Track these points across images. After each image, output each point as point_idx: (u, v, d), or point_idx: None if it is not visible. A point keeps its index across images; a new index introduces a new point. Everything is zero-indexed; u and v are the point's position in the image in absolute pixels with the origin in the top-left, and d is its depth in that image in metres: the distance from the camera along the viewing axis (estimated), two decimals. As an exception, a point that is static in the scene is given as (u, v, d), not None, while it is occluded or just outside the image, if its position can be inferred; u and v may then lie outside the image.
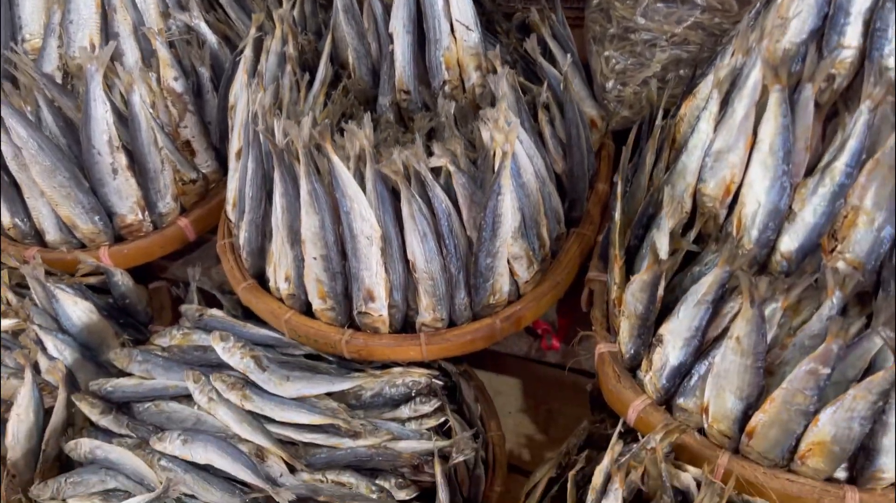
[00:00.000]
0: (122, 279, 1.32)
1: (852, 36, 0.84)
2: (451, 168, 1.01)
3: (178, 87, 1.33)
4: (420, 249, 1.05)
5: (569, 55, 1.24)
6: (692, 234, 0.97)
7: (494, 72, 1.18)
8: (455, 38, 1.19)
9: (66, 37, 1.31)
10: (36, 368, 1.17)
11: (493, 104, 1.12)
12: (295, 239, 1.10)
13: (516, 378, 1.49)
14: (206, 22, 1.41)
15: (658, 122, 1.10)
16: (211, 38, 1.38)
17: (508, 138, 0.99)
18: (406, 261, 1.07)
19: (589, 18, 1.44)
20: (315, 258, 1.08)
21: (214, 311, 1.24)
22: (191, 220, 1.37)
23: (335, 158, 1.02)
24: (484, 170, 1.06)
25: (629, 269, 1.03)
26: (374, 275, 1.06)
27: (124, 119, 1.26)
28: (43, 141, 1.20)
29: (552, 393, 1.46)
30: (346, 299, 1.11)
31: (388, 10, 1.21)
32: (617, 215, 1.04)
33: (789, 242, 0.88)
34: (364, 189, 1.04)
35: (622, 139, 1.38)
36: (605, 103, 1.38)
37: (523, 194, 1.09)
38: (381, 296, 1.08)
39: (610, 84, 1.38)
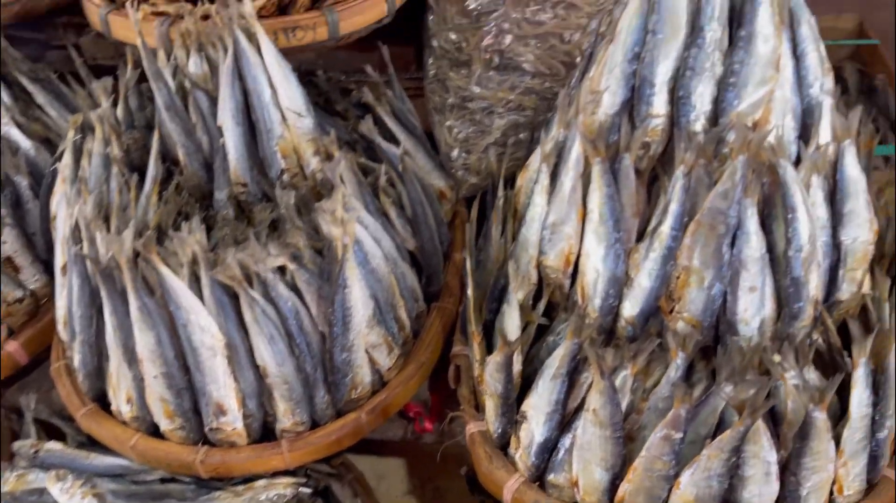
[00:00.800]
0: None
1: (659, 105, 0.88)
2: (292, 266, 0.97)
3: (-8, 206, 1.22)
4: (269, 353, 0.99)
5: (403, 136, 1.23)
6: (541, 306, 0.97)
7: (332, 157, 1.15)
8: (288, 125, 1.15)
9: None
10: None
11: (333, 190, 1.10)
12: (132, 358, 1.01)
13: (399, 458, 1.44)
14: (20, 126, 1.31)
15: (500, 191, 1.11)
16: (25, 143, 1.28)
17: (347, 230, 0.96)
18: (256, 366, 1.01)
19: (428, 89, 1.45)
20: (155, 376, 1.00)
21: (52, 445, 1.12)
22: (21, 342, 1.25)
23: (164, 270, 0.96)
24: (329, 261, 1.02)
25: (489, 344, 1.02)
26: (222, 387, 0.99)
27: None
28: None
29: (437, 469, 1.41)
30: (196, 415, 1.03)
31: (214, 102, 1.16)
32: (470, 291, 1.03)
33: (631, 308, 0.89)
34: (201, 297, 0.98)
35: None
36: (453, 171, 1.38)
37: (374, 279, 1.06)
38: (233, 408, 1.00)
39: (455, 153, 1.38)
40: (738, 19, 0.86)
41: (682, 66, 0.87)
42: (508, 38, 1.29)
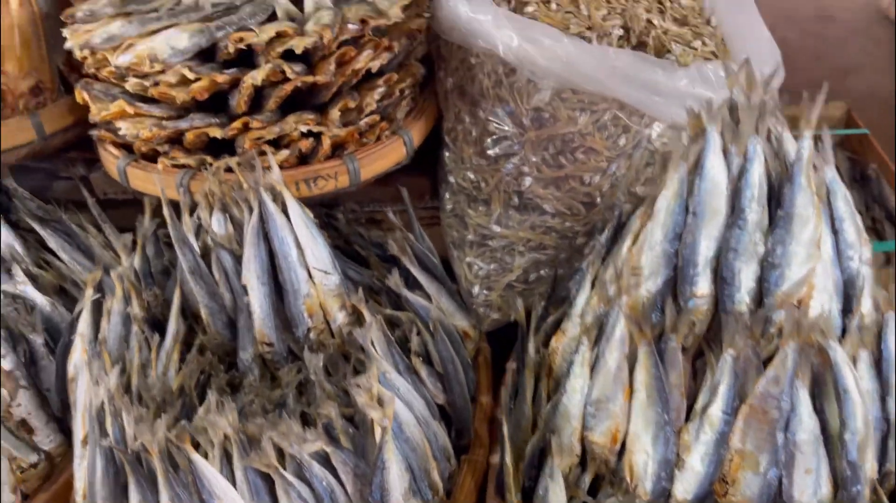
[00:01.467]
0: None
1: (703, 285, 0.87)
2: (329, 449, 0.94)
3: (6, 364, 1.18)
4: (305, 536, 0.95)
5: (428, 283, 1.23)
6: (586, 480, 0.95)
7: (358, 317, 1.14)
8: (314, 283, 1.14)
9: None
10: None
11: (363, 349, 1.08)
12: (160, 546, 0.97)
13: None
14: (34, 278, 1.29)
15: (531, 348, 1.09)
16: (41, 300, 1.25)
17: (387, 413, 0.94)
18: (291, 550, 0.97)
19: (445, 223, 1.45)
20: (187, 567, 0.95)
21: None
22: (35, 508, 1.20)
23: (199, 460, 0.92)
24: (364, 432, 1.00)
25: (529, 512, 0.99)
26: (256, 576, 0.95)
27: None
28: None
29: None
30: None
31: (238, 260, 1.15)
32: (508, 459, 1.00)
33: (684, 491, 0.86)
34: (234, 482, 0.94)
35: (496, 339, 1.37)
36: (474, 308, 1.37)
37: (409, 449, 1.03)
38: None
39: (476, 289, 1.38)
40: (777, 198, 0.87)
41: (724, 246, 0.87)
42: (528, 181, 1.29)
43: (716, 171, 0.86)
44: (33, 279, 1.32)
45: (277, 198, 1.12)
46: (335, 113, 1.23)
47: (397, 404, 1.01)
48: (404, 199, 1.35)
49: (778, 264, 0.84)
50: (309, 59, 1.23)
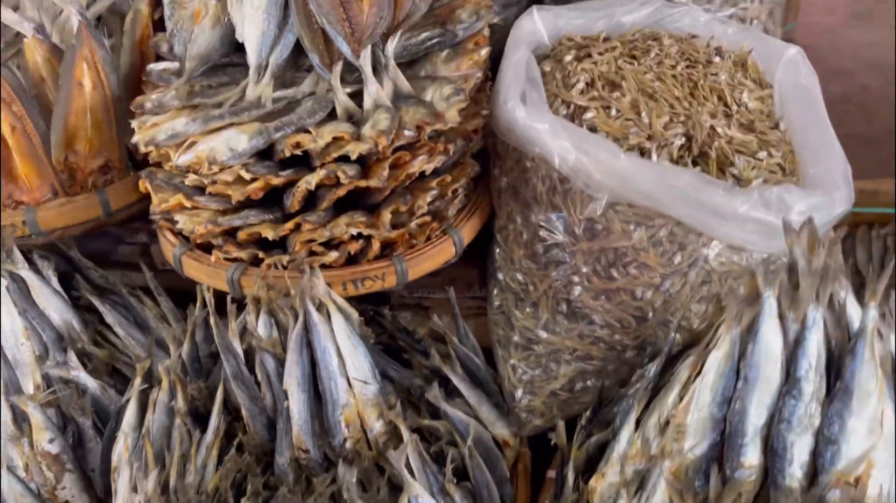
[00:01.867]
0: None
1: (752, 456, 0.83)
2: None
3: (53, 448, 1.22)
4: None
5: (469, 392, 1.21)
6: None
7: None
8: (353, 393, 1.13)
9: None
10: None
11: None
12: None
13: None
14: (88, 356, 1.33)
15: (570, 477, 1.06)
16: (92, 384, 1.28)
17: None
18: None
19: (492, 319, 1.43)
20: None
21: None
22: None
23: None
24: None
25: None
26: None
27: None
28: None
29: None
30: None
31: (281, 363, 1.16)
32: None
33: None
34: None
35: (536, 443, 1.34)
36: (516, 411, 1.34)
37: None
38: None
39: (519, 393, 1.35)
40: (836, 367, 0.82)
41: (776, 416, 0.82)
42: (578, 290, 1.26)
43: (770, 338, 0.82)
44: (88, 357, 1.36)
45: (322, 307, 1.12)
46: (386, 216, 1.23)
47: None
48: (451, 300, 1.34)
49: (835, 439, 0.79)
50: (364, 161, 1.24)
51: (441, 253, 1.31)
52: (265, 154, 1.24)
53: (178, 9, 1.43)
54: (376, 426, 1.15)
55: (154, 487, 1.04)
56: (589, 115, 1.27)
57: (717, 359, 0.85)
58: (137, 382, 1.21)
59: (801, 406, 0.81)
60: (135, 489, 1.04)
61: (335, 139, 1.20)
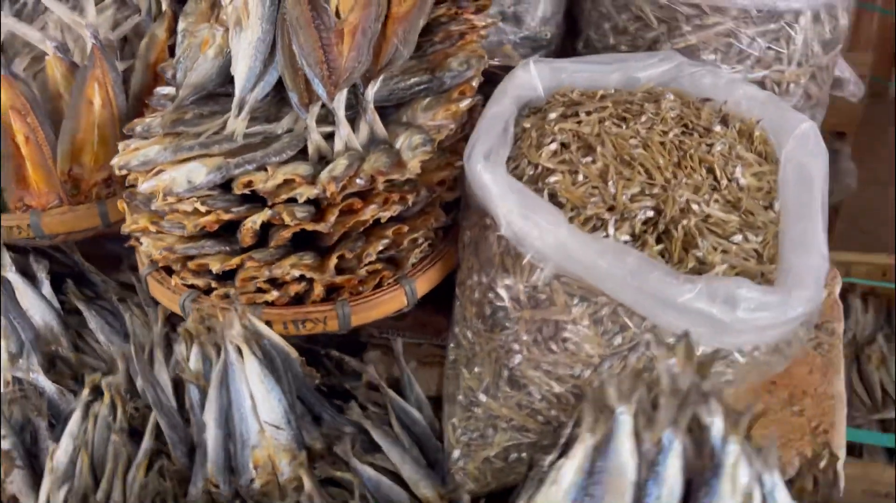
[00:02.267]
0: None
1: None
2: None
3: (5, 444, 1.29)
4: None
5: (390, 448, 1.19)
6: None
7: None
8: (265, 436, 1.14)
9: None
10: None
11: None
12: None
13: None
14: (63, 361, 1.41)
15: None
16: (50, 387, 1.35)
17: None
18: None
19: (446, 374, 1.41)
20: None
21: None
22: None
23: None
24: None
25: None
26: None
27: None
28: None
29: None
30: None
31: (205, 395, 1.18)
32: None
33: None
34: None
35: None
36: (452, 473, 1.31)
37: None
38: None
39: (456, 454, 1.32)
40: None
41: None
42: (518, 358, 1.22)
43: (624, 457, 0.76)
44: (63, 361, 1.44)
45: (242, 351, 1.14)
46: (332, 261, 1.24)
47: None
48: (396, 351, 1.33)
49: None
50: (318, 204, 1.25)
51: (391, 301, 1.30)
52: (227, 187, 1.27)
53: (189, 37, 1.50)
54: (287, 471, 1.15)
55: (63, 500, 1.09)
56: (552, 178, 1.22)
57: (570, 468, 0.79)
58: (85, 393, 1.27)
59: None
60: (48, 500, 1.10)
61: (286, 181, 1.21)
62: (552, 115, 1.34)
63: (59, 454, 1.24)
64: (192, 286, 1.30)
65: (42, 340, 1.42)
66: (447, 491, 1.27)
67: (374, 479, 1.15)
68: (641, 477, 0.76)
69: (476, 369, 1.31)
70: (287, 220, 1.20)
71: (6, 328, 1.39)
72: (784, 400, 1.34)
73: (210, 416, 1.15)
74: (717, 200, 1.24)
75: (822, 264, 1.13)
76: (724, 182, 1.27)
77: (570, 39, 1.94)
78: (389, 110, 1.39)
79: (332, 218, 1.22)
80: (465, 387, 1.32)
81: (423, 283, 1.33)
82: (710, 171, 1.28)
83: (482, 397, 1.28)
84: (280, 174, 1.22)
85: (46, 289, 1.51)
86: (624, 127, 1.31)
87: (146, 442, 1.21)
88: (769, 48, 1.57)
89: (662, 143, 1.30)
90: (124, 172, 1.32)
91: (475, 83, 1.41)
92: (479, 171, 1.20)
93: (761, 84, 1.58)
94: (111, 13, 1.66)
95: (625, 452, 0.77)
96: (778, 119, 1.38)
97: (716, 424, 0.76)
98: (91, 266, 1.65)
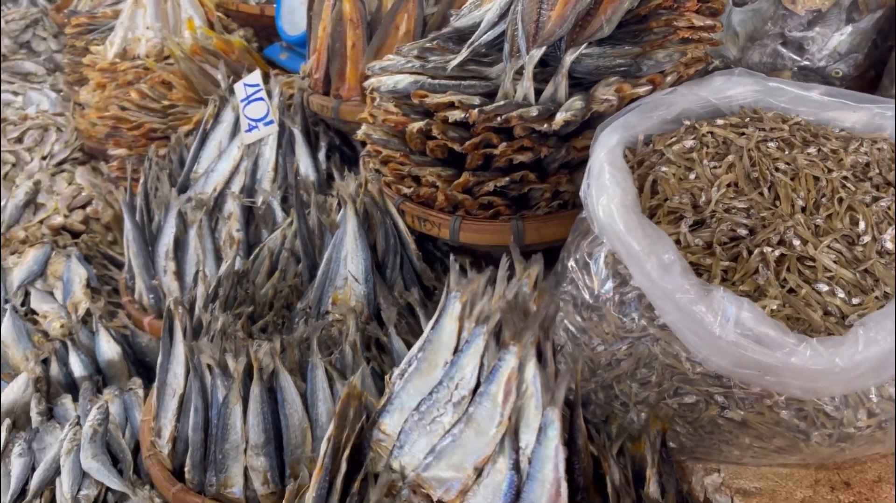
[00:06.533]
0: (147, 342, 1.85)
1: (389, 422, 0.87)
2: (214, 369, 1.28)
3: (236, 236, 1.83)
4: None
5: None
6: None
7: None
8: (347, 283, 1.43)
9: (207, 179, 1.92)
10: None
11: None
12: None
13: None
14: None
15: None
16: (279, 212, 1.84)
17: (237, 368, 1.22)
18: None
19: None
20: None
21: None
22: (206, 325, 1.85)
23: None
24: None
25: None
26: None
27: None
28: (138, 235, 1.82)
29: None
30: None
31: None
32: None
33: None
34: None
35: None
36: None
37: (286, 425, 1.28)
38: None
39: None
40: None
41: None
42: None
43: (445, 335, 0.83)
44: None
45: (348, 208, 1.43)
46: (461, 179, 1.44)
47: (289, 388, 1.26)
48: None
49: (439, 452, 0.79)
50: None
51: (499, 232, 1.45)
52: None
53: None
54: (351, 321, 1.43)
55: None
56: (665, 168, 1.23)
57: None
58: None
59: (436, 403, 0.82)
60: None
61: (450, 103, 1.45)
62: (720, 121, 1.32)
63: (231, 255, 1.71)
64: (377, 171, 1.64)
65: (300, 183, 1.92)
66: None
67: (401, 353, 1.35)
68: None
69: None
70: (435, 131, 1.44)
71: (281, 165, 1.91)
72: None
73: (325, 257, 1.48)
74: (839, 251, 1.11)
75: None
76: (866, 239, 1.12)
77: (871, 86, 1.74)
78: (587, 83, 1.51)
79: (470, 143, 1.42)
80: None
81: (532, 231, 1.45)
82: (855, 222, 1.14)
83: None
84: (448, 96, 1.46)
85: (322, 153, 2.01)
86: (787, 152, 1.24)
87: (284, 263, 1.60)
88: None
89: (817, 178, 1.20)
90: (369, 72, 1.70)
91: (669, 79, 1.44)
92: (599, 137, 1.27)
93: None
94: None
95: (449, 327, 0.85)
96: None
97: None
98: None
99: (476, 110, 1.40)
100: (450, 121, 1.43)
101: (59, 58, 4.47)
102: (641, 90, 1.41)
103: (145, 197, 1.88)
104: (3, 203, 2.36)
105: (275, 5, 2.88)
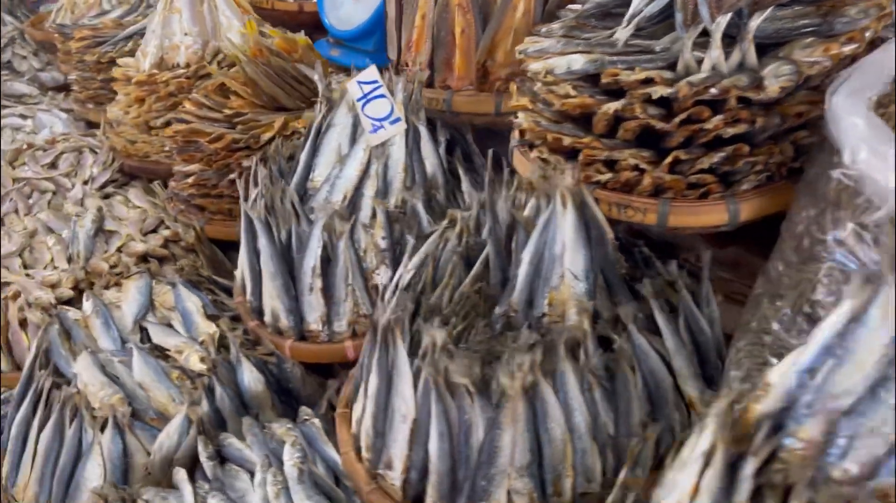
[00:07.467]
0: (291, 367, 1.72)
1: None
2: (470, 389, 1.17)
3: (382, 244, 1.70)
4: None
5: (668, 335, 1.28)
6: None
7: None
8: (564, 281, 1.33)
9: (332, 187, 1.78)
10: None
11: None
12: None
13: None
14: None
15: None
16: (422, 214, 1.72)
17: (514, 386, 1.11)
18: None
19: (747, 305, 1.43)
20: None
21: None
22: (354, 344, 1.71)
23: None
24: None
25: None
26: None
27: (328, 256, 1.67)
28: (274, 253, 1.67)
29: None
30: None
31: (528, 237, 1.40)
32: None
33: None
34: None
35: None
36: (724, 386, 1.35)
37: (547, 440, 1.18)
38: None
39: (734, 373, 1.34)
40: None
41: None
42: (822, 293, 1.20)
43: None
44: (437, 203, 1.81)
45: (566, 202, 1.33)
46: (668, 159, 1.35)
47: (548, 397, 1.16)
48: (703, 260, 1.40)
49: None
50: (670, 109, 1.37)
51: (712, 212, 1.37)
52: (596, 81, 1.46)
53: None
54: (572, 317, 1.32)
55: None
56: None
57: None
58: (444, 223, 1.60)
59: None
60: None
61: (647, 80, 1.36)
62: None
63: (414, 260, 1.59)
64: (544, 160, 1.54)
65: (428, 183, 1.80)
66: (711, 399, 1.32)
67: (645, 352, 1.26)
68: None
69: (778, 302, 1.32)
70: (638, 111, 1.35)
71: (406, 164, 1.79)
72: None
73: (526, 255, 1.37)
74: None
75: None
76: None
77: None
78: (770, 47, 1.43)
79: (678, 119, 1.33)
80: (761, 316, 1.33)
81: (747, 208, 1.37)
82: None
83: (775, 326, 1.29)
84: (644, 72, 1.37)
85: (442, 149, 1.89)
86: None
87: (477, 267, 1.48)
88: None
89: None
90: (521, 57, 1.59)
91: (868, 34, 1.37)
92: (836, 103, 1.20)
93: None
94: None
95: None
96: None
97: None
98: (475, 146, 2.01)
99: (684, 83, 1.31)
100: (653, 98, 1.34)
101: (44, 76, 4.19)
102: (847, 49, 1.34)
103: (269, 212, 1.73)
104: (74, 234, 2.16)
105: (316, 1, 2.73)
